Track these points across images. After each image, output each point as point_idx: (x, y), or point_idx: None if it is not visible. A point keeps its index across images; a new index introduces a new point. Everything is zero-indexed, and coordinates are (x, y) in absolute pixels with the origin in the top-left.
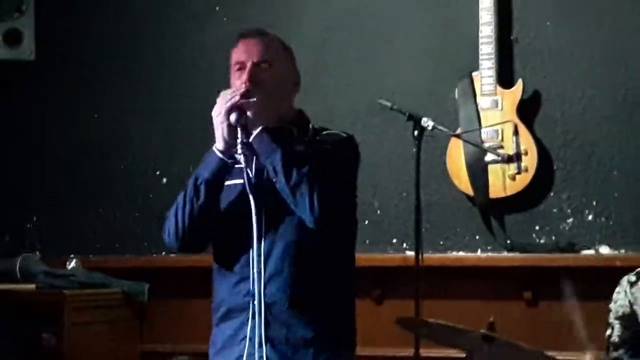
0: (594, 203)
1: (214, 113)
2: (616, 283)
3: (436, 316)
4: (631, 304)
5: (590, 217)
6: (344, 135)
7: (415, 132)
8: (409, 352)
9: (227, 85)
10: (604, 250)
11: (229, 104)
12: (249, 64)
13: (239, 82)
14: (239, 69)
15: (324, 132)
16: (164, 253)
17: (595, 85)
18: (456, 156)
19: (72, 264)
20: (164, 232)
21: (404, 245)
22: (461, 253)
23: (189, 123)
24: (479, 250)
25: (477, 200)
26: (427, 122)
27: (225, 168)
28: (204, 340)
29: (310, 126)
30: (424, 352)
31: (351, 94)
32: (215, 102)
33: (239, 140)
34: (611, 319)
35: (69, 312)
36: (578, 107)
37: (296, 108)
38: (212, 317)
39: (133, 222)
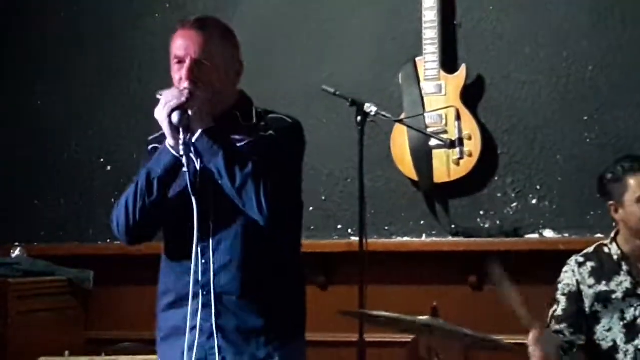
0: (538, 187)
1: (156, 112)
2: (560, 266)
3: (381, 301)
4: (578, 283)
5: (534, 202)
6: (290, 121)
7: (359, 118)
8: (354, 337)
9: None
10: (548, 234)
11: (170, 104)
12: (187, 60)
13: (177, 77)
14: (179, 62)
15: (269, 116)
16: (108, 240)
17: (539, 70)
18: (400, 141)
19: (16, 252)
20: (112, 222)
21: (349, 231)
22: (406, 238)
23: (133, 110)
24: (424, 235)
25: (422, 185)
26: (370, 108)
27: (179, 164)
28: (149, 327)
29: (254, 109)
30: (368, 337)
31: (294, 79)
32: (156, 102)
33: (180, 142)
34: (558, 295)
35: (13, 301)
36: (521, 92)
37: (238, 89)
38: (157, 303)
39: (77, 210)
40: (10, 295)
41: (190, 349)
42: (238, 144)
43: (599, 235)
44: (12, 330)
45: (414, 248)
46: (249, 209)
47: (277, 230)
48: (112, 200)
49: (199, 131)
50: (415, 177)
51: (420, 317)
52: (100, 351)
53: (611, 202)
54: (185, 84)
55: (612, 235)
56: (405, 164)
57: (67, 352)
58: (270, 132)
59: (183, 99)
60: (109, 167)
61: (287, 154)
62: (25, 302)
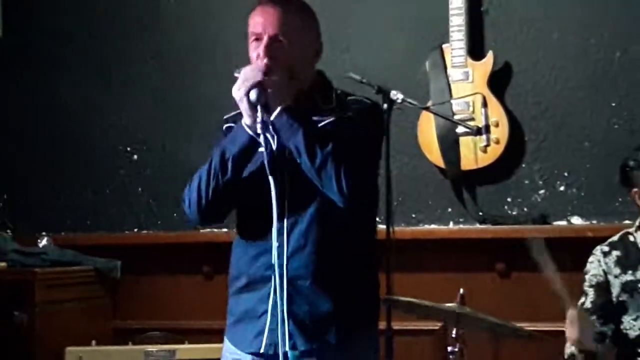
0: (566, 174)
1: (234, 90)
2: (588, 253)
3: (408, 289)
4: (605, 273)
5: (561, 188)
6: (369, 102)
7: (385, 106)
8: (382, 325)
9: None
10: (576, 221)
11: (249, 81)
12: (265, 37)
13: (255, 54)
14: (256, 39)
15: (349, 98)
16: (135, 230)
17: (566, 56)
18: (427, 129)
19: (44, 242)
20: (183, 201)
21: (376, 218)
22: (433, 226)
23: (159, 99)
24: (451, 223)
25: (449, 172)
26: (397, 95)
27: (254, 144)
28: (176, 317)
29: (334, 91)
30: (396, 324)
31: (320, 66)
32: (232, 79)
33: (258, 119)
34: (585, 287)
35: (40, 291)
36: (549, 78)
37: (317, 70)
38: (229, 286)
39: (104, 199)
40: (37, 285)
41: (262, 333)
42: (317, 125)
43: (627, 222)
44: (39, 320)
45: (441, 236)
46: (328, 189)
47: (355, 212)
48: (139, 189)
49: (279, 108)
50: (442, 164)
51: (448, 305)
52: (128, 340)
53: (635, 190)
54: (263, 61)
55: (637, 223)
56: (433, 152)
57: (94, 342)
58: (350, 113)
59: (261, 76)
60: (135, 157)
61: (365, 136)
62: (52, 291)
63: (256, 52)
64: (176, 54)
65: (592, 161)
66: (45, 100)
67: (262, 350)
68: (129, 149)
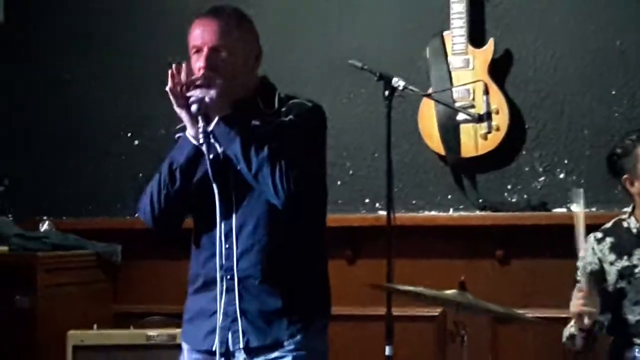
0: (566, 161)
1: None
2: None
3: (408, 276)
4: (600, 261)
5: (561, 176)
6: (310, 104)
7: (386, 93)
8: (382, 311)
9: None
10: (576, 208)
11: (188, 94)
12: (205, 49)
13: (197, 67)
14: (197, 52)
15: (290, 102)
16: (136, 215)
17: (567, 43)
18: (428, 116)
19: (45, 226)
20: (138, 210)
21: (376, 205)
22: (433, 212)
23: (161, 85)
24: (451, 210)
25: (449, 159)
26: (398, 82)
27: (200, 153)
28: (177, 301)
29: (276, 95)
30: (396, 310)
31: (321, 54)
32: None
33: (199, 130)
34: (579, 276)
35: (41, 274)
36: (549, 66)
37: (260, 76)
38: (188, 287)
39: (106, 184)
40: (38, 269)
41: (214, 331)
42: (257, 130)
43: (626, 209)
44: (40, 303)
45: (441, 222)
46: (266, 193)
47: (295, 214)
48: (140, 174)
49: (216, 118)
50: (442, 151)
51: (448, 292)
52: (129, 324)
53: (625, 176)
54: (203, 73)
55: (630, 209)
56: (433, 139)
57: (95, 326)
58: (290, 116)
59: (200, 85)
60: (136, 142)
61: (306, 138)
62: (54, 275)
63: (197, 63)
64: (181, 40)
65: (592, 149)
66: (46, 85)
67: (214, 349)
68: (130, 133)
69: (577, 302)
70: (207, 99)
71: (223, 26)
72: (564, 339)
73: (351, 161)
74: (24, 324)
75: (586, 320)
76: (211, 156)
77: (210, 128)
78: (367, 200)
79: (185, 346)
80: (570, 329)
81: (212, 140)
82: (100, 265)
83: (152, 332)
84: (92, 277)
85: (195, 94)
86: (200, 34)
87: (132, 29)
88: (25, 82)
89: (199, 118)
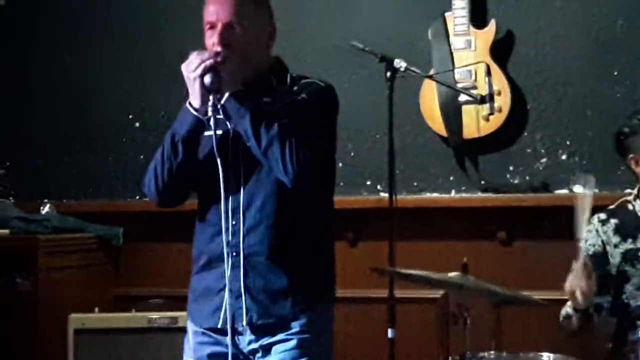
0: (568, 142)
1: (184, 68)
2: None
3: (410, 257)
4: (604, 243)
5: (563, 157)
6: (322, 84)
7: (388, 74)
8: (384, 293)
9: (197, 34)
10: (578, 189)
11: (203, 65)
12: (219, 25)
13: (210, 42)
14: (210, 28)
15: (302, 81)
16: (137, 197)
17: (568, 24)
18: (430, 97)
19: (46, 209)
20: (143, 186)
21: (378, 187)
22: (435, 194)
23: (162, 68)
24: (453, 191)
25: (451, 141)
26: (400, 64)
27: (201, 125)
28: (178, 284)
29: (289, 75)
30: (398, 292)
31: (323, 35)
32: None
33: (210, 104)
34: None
35: (42, 257)
36: (551, 47)
37: (273, 56)
38: (192, 266)
39: (106, 167)
40: (40, 252)
41: (220, 308)
42: (269, 107)
43: (628, 190)
44: (41, 286)
45: (443, 204)
46: (275, 170)
47: (304, 192)
48: (141, 157)
49: (227, 94)
50: (444, 133)
51: (450, 274)
52: (130, 307)
53: (631, 156)
54: (217, 48)
55: (635, 191)
56: (435, 120)
57: (96, 309)
58: (303, 95)
59: (219, 59)
60: (137, 124)
61: (317, 117)
62: (55, 258)
63: (211, 40)
64: (184, 23)
65: (594, 130)
66: (48, 68)
67: (219, 326)
68: (130, 116)
69: (570, 281)
70: (222, 73)
71: (238, 2)
72: (560, 319)
73: (353, 143)
74: (25, 307)
75: (580, 299)
76: (219, 132)
77: (222, 102)
78: (368, 182)
79: (190, 328)
80: (566, 308)
81: (220, 116)
82: (102, 248)
83: (153, 315)
84: (93, 260)
85: (210, 64)
86: (215, 10)
87: (134, 12)
88: (27, 65)
89: (212, 91)
